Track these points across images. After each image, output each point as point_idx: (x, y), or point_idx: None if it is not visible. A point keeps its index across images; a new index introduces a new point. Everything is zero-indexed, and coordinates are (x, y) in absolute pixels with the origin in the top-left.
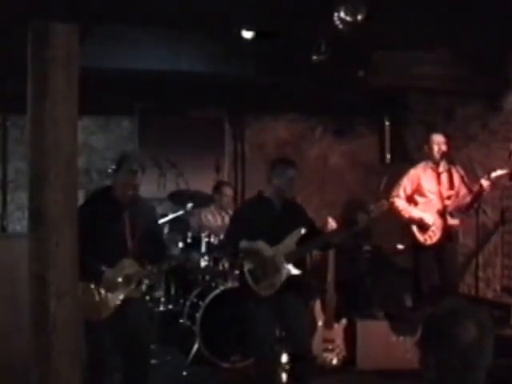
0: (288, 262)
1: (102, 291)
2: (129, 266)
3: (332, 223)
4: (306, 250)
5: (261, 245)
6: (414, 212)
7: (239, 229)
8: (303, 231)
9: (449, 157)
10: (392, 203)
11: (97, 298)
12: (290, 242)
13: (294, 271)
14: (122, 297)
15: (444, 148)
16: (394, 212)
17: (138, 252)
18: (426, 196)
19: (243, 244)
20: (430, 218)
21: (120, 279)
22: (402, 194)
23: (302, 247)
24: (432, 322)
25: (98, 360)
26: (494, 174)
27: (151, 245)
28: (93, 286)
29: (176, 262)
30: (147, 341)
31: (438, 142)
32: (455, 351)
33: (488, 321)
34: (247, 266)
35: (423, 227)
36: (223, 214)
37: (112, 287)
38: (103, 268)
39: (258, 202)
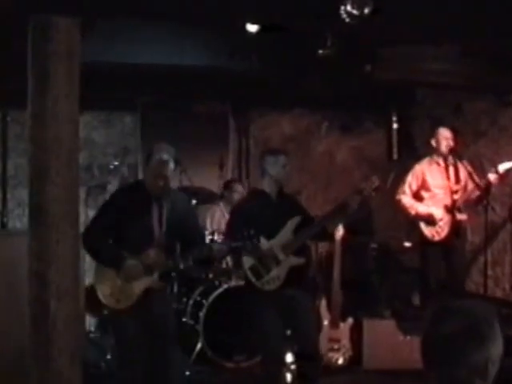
0: (287, 252)
1: (123, 279)
2: (154, 255)
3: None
4: (304, 238)
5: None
6: (420, 208)
7: (237, 224)
8: (299, 220)
9: (456, 152)
10: (398, 201)
11: (117, 285)
12: (287, 232)
13: (296, 261)
14: (143, 287)
15: (452, 143)
16: (400, 209)
17: (164, 244)
18: (431, 191)
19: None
20: (438, 212)
21: (142, 268)
22: (407, 190)
23: (299, 235)
24: (430, 323)
25: (126, 349)
26: (501, 167)
27: (180, 239)
28: (113, 273)
29: (199, 253)
30: (172, 335)
31: (446, 136)
32: (440, 345)
33: (487, 321)
34: (247, 263)
35: (431, 222)
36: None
37: (133, 276)
38: (125, 255)
39: (254, 196)
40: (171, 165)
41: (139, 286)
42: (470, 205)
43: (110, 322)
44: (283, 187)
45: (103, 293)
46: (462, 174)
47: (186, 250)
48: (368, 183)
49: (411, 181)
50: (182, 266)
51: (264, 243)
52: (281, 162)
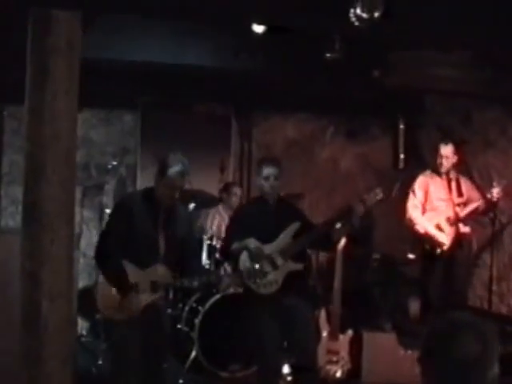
0: (286, 257)
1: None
2: (161, 273)
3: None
4: (304, 243)
5: (252, 242)
6: (430, 228)
7: (234, 230)
8: (298, 225)
9: (459, 166)
10: (409, 215)
11: (118, 296)
12: (285, 238)
13: (294, 266)
14: (145, 302)
15: (453, 160)
16: (408, 223)
17: (170, 259)
18: (432, 203)
19: (235, 245)
20: (444, 239)
21: (147, 284)
22: (419, 205)
23: (298, 241)
24: (432, 338)
25: (122, 356)
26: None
27: (181, 252)
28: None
29: (208, 281)
30: (166, 345)
31: (447, 155)
32: (456, 367)
33: (492, 334)
34: (243, 267)
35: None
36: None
37: (137, 289)
38: (129, 268)
39: (252, 202)
40: (186, 176)
41: (141, 301)
42: (476, 217)
43: (108, 329)
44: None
45: (103, 303)
46: (464, 187)
47: (194, 273)
48: (371, 195)
49: (420, 194)
50: (185, 287)
51: (260, 247)
52: (264, 174)
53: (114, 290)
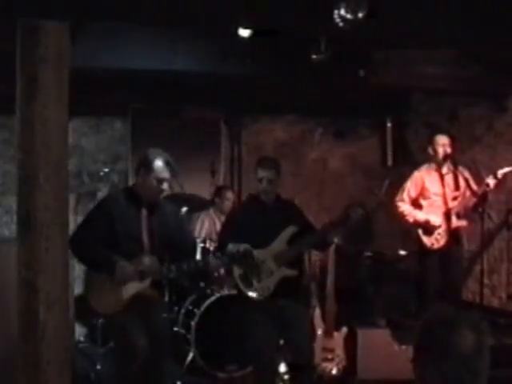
0: (279, 263)
1: (114, 282)
2: (147, 261)
3: None
4: (298, 249)
5: (247, 248)
6: (419, 215)
7: (229, 232)
8: (293, 230)
9: (453, 158)
10: (396, 208)
11: (107, 289)
12: (280, 242)
13: (288, 272)
14: (133, 291)
15: (449, 150)
16: (398, 217)
17: (155, 253)
18: (429, 198)
19: (230, 247)
20: (437, 219)
21: (134, 272)
22: (406, 198)
23: (293, 246)
24: (425, 335)
25: (126, 347)
26: (500, 172)
27: (170, 250)
28: (103, 277)
29: (194, 265)
30: (167, 348)
31: (443, 143)
32: (456, 361)
33: (483, 324)
34: (237, 271)
35: (429, 230)
36: (223, 218)
37: (124, 278)
38: (117, 258)
39: (249, 201)
40: (170, 167)
41: (129, 290)
42: (467, 212)
43: (107, 327)
44: (279, 194)
45: (94, 299)
46: (462, 181)
47: (182, 261)
48: (372, 199)
49: (410, 187)
50: (175, 275)
51: (256, 253)
52: (258, 176)
53: (102, 285)
